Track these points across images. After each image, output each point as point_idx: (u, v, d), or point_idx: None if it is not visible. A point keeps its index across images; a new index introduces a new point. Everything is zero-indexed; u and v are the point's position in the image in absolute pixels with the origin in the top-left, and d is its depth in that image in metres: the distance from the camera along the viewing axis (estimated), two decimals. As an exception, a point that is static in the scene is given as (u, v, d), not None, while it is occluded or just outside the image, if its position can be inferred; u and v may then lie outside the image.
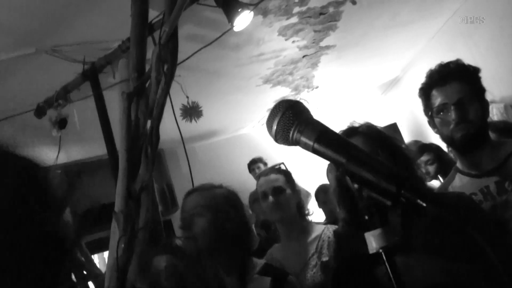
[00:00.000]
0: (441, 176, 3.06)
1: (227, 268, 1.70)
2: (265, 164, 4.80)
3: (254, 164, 4.83)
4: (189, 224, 1.73)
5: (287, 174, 2.21)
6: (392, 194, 0.64)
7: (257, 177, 2.31)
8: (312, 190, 3.78)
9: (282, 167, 2.32)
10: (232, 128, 5.50)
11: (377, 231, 0.67)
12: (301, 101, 0.80)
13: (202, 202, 1.74)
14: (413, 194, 0.62)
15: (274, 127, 0.76)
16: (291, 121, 0.75)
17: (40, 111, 2.71)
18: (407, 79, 5.41)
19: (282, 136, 0.76)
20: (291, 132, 0.74)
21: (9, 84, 2.61)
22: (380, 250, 0.67)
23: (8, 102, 2.74)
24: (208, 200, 1.73)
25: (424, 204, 0.61)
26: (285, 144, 0.77)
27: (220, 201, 1.74)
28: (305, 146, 0.74)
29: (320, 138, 0.72)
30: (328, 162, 0.74)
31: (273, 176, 2.17)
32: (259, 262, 1.83)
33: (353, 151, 0.70)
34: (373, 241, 0.67)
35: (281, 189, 2.11)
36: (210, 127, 5.01)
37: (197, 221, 1.70)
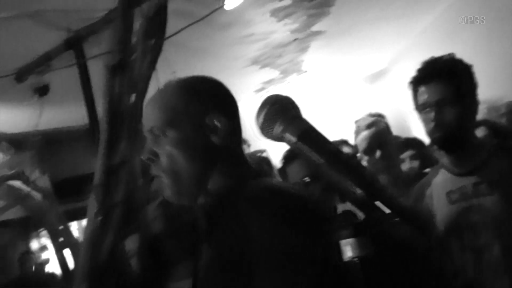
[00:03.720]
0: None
1: None
2: (249, 145, 4.78)
3: None
4: None
5: (267, 164, 2.21)
6: (365, 205, 0.64)
7: None
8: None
9: (264, 155, 2.31)
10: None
11: (351, 240, 0.67)
12: (290, 96, 0.79)
13: None
14: (387, 207, 0.61)
15: (260, 120, 0.76)
16: (277, 116, 0.74)
17: (20, 76, 2.65)
18: (394, 72, 5.42)
19: (267, 131, 0.75)
20: (276, 127, 0.74)
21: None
22: (355, 259, 0.66)
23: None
24: None
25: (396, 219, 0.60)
26: (270, 139, 0.76)
27: None
28: (289, 143, 0.74)
29: (303, 136, 0.72)
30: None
31: None
32: None
33: (334, 155, 0.70)
34: (348, 249, 0.67)
35: None
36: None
37: None
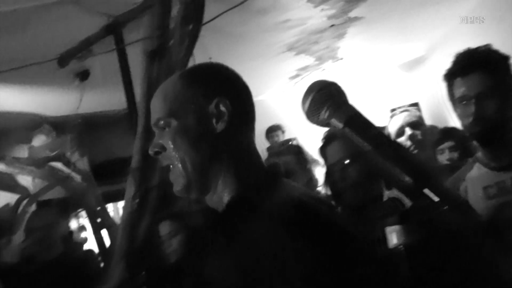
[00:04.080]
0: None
1: None
2: (283, 131, 4.79)
3: (272, 131, 4.83)
4: None
5: (298, 153, 2.22)
6: (413, 193, 0.63)
7: (269, 155, 2.32)
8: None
9: (294, 143, 2.33)
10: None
11: (397, 227, 0.66)
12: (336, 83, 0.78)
13: None
14: (436, 195, 0.60)
15: (306, 105, 0.75)
16: (323, 102, 0.73)
17: (63, 61, 2.73)
18: (432, 60, 5.27)
19: (313, 117, 0.75)
20: (322, 113, 0.73)
21: (31, 32, 2.62)
22: (400, 247, 0.65)
23: (30, 50, 2.75)
24: None
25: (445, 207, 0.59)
26: (316, 124, 0.76)
27: None
28: (335, 129, 0.73)
29: (350, 122, 0.71)
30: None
31: (284, 158, 2.18)
32: None
33: (381, 141, 0.68)
34: (394, 236, 0.66)
35: (292, 171, 2.13)
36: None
37: None
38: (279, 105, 5.49)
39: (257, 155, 0.94)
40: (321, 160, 1.64)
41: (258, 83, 5.06)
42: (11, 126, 4.05)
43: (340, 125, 0.71)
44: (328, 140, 1.56)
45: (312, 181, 2.18)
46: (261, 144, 4.45)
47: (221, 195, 0.88)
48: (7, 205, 3.95)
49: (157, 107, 0.91)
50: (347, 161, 1.36)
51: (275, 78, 5.01)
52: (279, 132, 4.78)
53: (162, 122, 0.89)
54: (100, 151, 4.30)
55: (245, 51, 3.94)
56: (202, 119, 0.87)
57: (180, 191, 0.90)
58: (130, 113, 2.35)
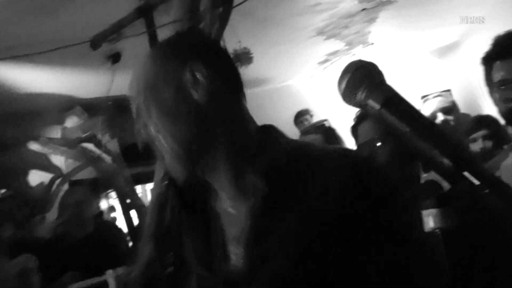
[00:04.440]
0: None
1: None
2: (312, 116, 4.76)
3: (301, 116, 4.80)
4: None
5: (327, 133, 2.17)
6: (452, 175, 0.61)
7: (300, 135, 2.30)
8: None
9: (326, 124, 2.28)
10: (279, 79, 5.44)
11: (434, 211, 0.65)
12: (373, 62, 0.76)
13: None
14: (476, 179, 0.58)
15: (343, 86, 0.74)
16: (360, 82, 0.72)
17: (95, 44, 2.77)
18: (467, 45, 5.11)
19: (349, 97, 0.73)
20: (359, 94, 0.72)
21: (64, 15, 2.66)
22: (437, 231, 0.64)
23: (64, 32, 2.80)
24: None
25: (486, 191, 0.57)
26: (352, 105, 0.74)
27: None
28: (371, 110, 0.71)
29: (387, 103, 0.69)
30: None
31: (310, 136, 2.14)
32: None
33: (420, 122, 0.66)
34: (430, 220, 0.65)
35: None
36: (258, 75, 4.97)
37: None
38: (308, 90, 5.45)
39: (253, 123, 0.86)
40: (352, 139, 1.62)
41: (286, 68, 5.03)
42: (45, 107, 4.16)
43: (377, 106, 0.69)
44: (360, 118, 1.53)
45: None
46: (290, 129, 4.43)
47: (220, 169, 0.82)
48: (41, 184, 4.09)
49: (135, 94, 0.84)
50: (379, 143, 1.34)
51: (304, 63, 4.96)
52: (308, 117, 4.75)
53: (142, 109, 0.82)
54: (130, 133, 4.36)
55: (274, 35, 3.91)
56: (178, 90, 0.79)
57: (173, 173, 0.84)
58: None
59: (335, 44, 4.56)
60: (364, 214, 0.70)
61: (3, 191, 3.92)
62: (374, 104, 0.69)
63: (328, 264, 0.70)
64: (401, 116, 0.66)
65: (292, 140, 0.86)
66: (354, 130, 1.58)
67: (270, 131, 0.86)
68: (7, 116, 4.08)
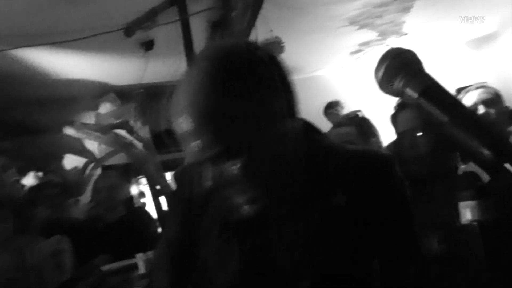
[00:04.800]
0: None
1: None
2: (343, 107, 4.68)
3: (331, 107, 4.73)
4: None
5: (361, 125, 2.12)
6: (492, 167, 0.59)
7: (332, 127, 2.25)
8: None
9: (360, 114, 2.23)
10: (310, 69, 5.40)
11: (472, 203, 0.63)
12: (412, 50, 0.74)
13: None
14: None
15: (380, 74, 0.72)
16: (398, 70, 0.70)
17: (129, 31, 2.81)
18: (505, 36, 4.93)
19: (386, 86, 0.72)
20: (396, 82, 0.70)
21: (98, 3, 2.71)
22: (474, 223, 0.63)
23: (97, 20, 2.85)
24: None
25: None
26: (389, 94, 0.73)
27: None
28: (409, 99, 0.70)
29: (426, 92, 0.68)
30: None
31: (344, 129, 2.10)
32: None
33: (460, 112, 0.65)
34: (468, 212, 0.64)
35: (351, 143, 2.04)
36: (288, 64, 4.95)
37: None
38: (339, 81, 5.39)
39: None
40: (391, 128, 1.60)
41: (317, 57, 4.98)
42: (80, 93, 4.26)
43: (415, 94, 0.67)
44: (400, 107, 1.51)
45: None
46: (319, 120, 4.40)
47: None
48: (75, 168, 4.21)
49: None
50: (419, 134, 1.31)
51: (335, 53, 4.90)
52: (338, 108, 4.67)
53: None
54: (161, 121, 4.44)
55: (306, 24, 3.88)
56: None
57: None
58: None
59: (368, 34, 4.48)
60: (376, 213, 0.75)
61: (39, 174, 4.06)
62: (412, 93, 0.68)
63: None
64: (440, 106, 0.65)
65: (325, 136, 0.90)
66: (394, 119, 1.55)
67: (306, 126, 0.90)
68: (43, 101, 4.21)
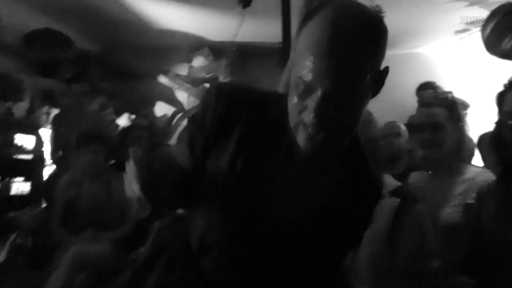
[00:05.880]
0: None
1: None
2: (437, 92, 4.42)
3: (426, 88, 4.46)
4: None
5: (451, 107, 2.00)
6: None
7: (420, 106, 2.14)
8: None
9: (449, 97, 2.09)
10: (408, 45, 5.13)
11: None
12: None
13: None
14: None
15: (487, 31, 0.67)
16: (509, 28, 0.65)
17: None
18: None
19: (494, 44, 0.67)
20: (506, 41, 0.65)
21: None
22: None
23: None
24: None
25: None
26: (495, 55, 0.68)
27: None
28: None
29: None
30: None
31: (434, 109, 1.98)
32: (395, 183, 1.83)
33: None
34: None
35: (440, 125, 1.94)
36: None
37: None
38: (439, 61, 5.07)
39: None
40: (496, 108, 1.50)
41: (419, 33, 4.71)
42: (177, 44, 4.44)
43: None
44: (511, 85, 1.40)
45: (461, 141, 1.98)
46: (410, 99, 4.19)
47: None
48: (164, 115, 4.46)
49: None
50: None
51: (439, 30, 4.59)
52: (432, 91, 4.41)
53: None
54: (249, 81, 4.52)
55: (411, -4, 3.66)
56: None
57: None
58: (283, 47, 2.38)
59: (478, 12, 4.12)
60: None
61: (132, 116, 4.35)
62: None
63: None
64: None
65: None
66: (501, 97, 1.45)
67: None
68: (144, 49, 4.45)
